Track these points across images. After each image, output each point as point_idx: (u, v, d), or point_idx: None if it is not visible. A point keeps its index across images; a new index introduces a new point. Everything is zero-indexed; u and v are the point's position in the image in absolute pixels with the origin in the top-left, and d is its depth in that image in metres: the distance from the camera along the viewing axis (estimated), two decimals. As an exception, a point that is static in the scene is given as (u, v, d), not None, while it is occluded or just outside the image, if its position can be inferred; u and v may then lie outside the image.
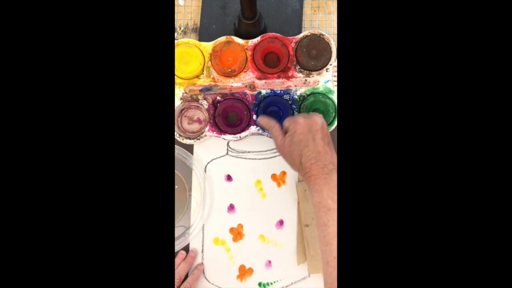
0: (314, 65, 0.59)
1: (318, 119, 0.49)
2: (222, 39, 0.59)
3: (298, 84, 0.59)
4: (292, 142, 0.49)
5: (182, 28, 0.64)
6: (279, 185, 0.60)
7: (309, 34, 0.59)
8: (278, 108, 0.60)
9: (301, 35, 0.59)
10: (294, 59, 0.59)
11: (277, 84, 0.59)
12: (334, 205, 0.44)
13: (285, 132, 0.51)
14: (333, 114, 0.58)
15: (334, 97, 0.59)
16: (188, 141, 0.59)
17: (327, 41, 0.59)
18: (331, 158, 0.47)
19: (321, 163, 0.46)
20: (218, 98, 0.59)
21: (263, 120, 0.55)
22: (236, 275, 0.59)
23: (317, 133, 0.48)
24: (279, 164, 0.60)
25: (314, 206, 0.46)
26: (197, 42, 0.59)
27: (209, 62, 0.59)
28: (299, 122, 0.49)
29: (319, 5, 0.64)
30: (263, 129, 0.58)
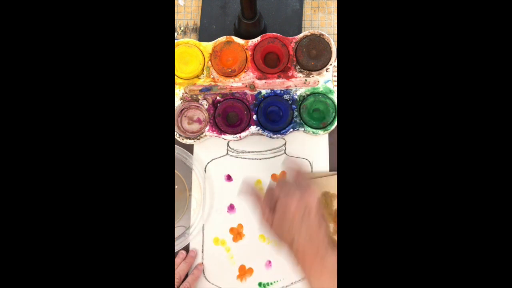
0: (314, 65, 0.59)
1: (310, 197, 0.44)
2: (222, 39, 0.59)
3: (298, 84, 0.59)
4: (281, 225, 0.43)
5: (182, 28, 0.64)
6: (279, 185, 0.60)
7: (309, 34, 0.59)
8: (278, 108, 0.60)
9: (301, 35, 0.59)
10: (294, 59, 0.59)
11: (277, 84, 0.59)
12: None
13: (273, 207, 0.45)
14: (333, 114, 0.58)
15: (334, 97, 0.59)
16: (188, 141, 0.59)
17: (327, 41, 0.59)
18: (324, 236, 0.43)
19: (313, 249, 0.42)
20: (218, 98, 0.59)
21: (248, 193, 0.48)
22: (236, 275, 0.59)
23: (309, 215, 0.43)
24: (279, 164, 0.60)
25: None
26: (197, 42, 0.59)
27: (209, 62, 0.59)
28: (290, 202, 0.43)
29: (319, 5, 0.64)
30: (263, 129, 0.58)
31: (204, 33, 0.63)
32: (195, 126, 0.61)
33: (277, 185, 0.46)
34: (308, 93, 0.59)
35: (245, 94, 0.59)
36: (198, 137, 0.59)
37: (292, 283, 0.58)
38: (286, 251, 0.44)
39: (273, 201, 0.45)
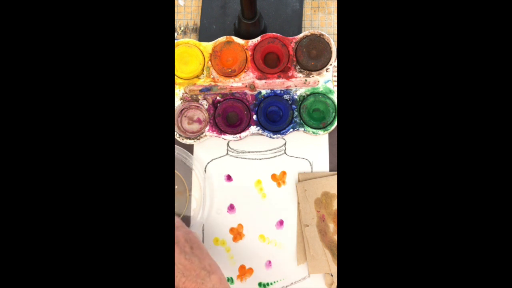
0: (314, 65, 0.59)
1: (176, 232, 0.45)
2: (222, 39, 0.59)
3: (298, 84, 0.59)
4: None
5: (182, 28, 0.64)
6: (279, 185, 0.60)
7: (309, 34, 0.59)
8: (278, 108, 0.60)
9: (301, 35, 0.59)
10: (294, 59, 0.59)
11: (277, 84, 0.59)
12: None
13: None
14: (333, 114, 0.58)
15: (334, 97, 0.59)
16: (188, 141, 0.59)
17: (327, 41, 0.59)
18: (200, 263, 0.45)
19: (192, 276, 0.43)
20: (218, 98, 0.59)
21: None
22: (236, 275, 0.59)
23: (175, 249, 0.44)
24: (279, 164, 0.60)
25: None
26: (197, 42, 0.59)
27: (209, 62, 0.59)
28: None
29: (319, 5, 0.64)
30: (263, 129, 0.58)
31: (204, 33, 0.63)
32: (195, 126, 0.61)
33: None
34: (308, 93, 0.59)
35: (245, 94, 0.59)
36: (198, 137, 0.59)
37: (292, 283, 0.58)
38: None
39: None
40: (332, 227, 0.58)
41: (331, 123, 0.58)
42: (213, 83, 0.60)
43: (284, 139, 0.61)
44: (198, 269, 0.44)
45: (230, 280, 0.58)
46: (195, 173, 0.60)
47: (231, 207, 0.60)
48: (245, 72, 0.59)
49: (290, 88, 0.59)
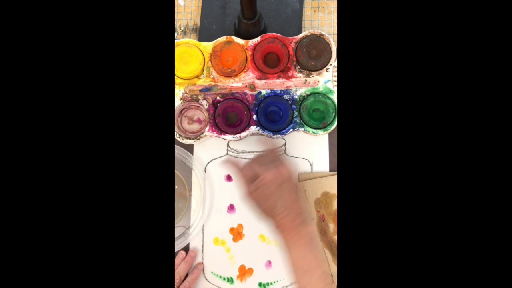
0: (314, 65, 0.59)
1: (285, 169, 0.47)
2: (222, 39, 0.59)
3: (298, 84, 0.59)
4: (260, 194, 0.46)
5: (182, 28, 0.64)
6: (279, 185, 0.60)
7: (309, 34, 0.59)
8: (278, 108, 0.60)
9: (301, 35, 0.59)
10: (294, 59, 0.59)
11: (277, 84, 0.59)
12: (311, 264, 0.43)
13: (251, 178, 0.47)
14: (333, 114, 0.58)
15: (334, 97, 0.59)
16: (188, 141, 0.59)
17: (327, 41, 0.59)
18: (300, 208, 0.46)
19: (291, 216, 0.45)
20: (218, 98, 0.59)
21: (229, 163, 0.51)
22: (236, 275, 0.59)
23: (284, 185, 0.46)
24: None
25: (290, 264, 0.45)
26: (197, 42, 0.59)
27: (209, 62, 0.59)
28: (266, 173, 0.46)
29: (319, 5, 0.64)
30: (263, 129, 0.58)
31: (204, 33, 0.63)
32: (195, 126, 0.61)
33: (254, 159, 0.49)
34: (308, 93, 0.59)
35: (245, 94, 0.59)
36: (198, 137, 0.59)
37: (292, 283, 0.58)
38: (269, 223, 0.47)
39: (251, 174, 0.48)
40: (332, 227, 0.58)
41: (331, 123, 0.58)
42: (213, 83, 0.60)
43: (284, 139, 0.61)
44: (301, 210, 0.46)
45: (230, 280, 0.58)
46: (195, 173, 0.60)
47: (231, 207, 0.60)
48: (245, 72, 0.59)
49: (290, 88, 0.59)
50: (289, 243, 0.45)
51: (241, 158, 0.61)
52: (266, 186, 0.46)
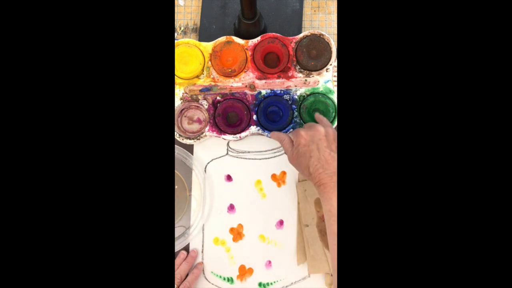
0: (314, 65, 0.59)
1: (320, 128, 0.50)
2: (222, 39, 0.59)
3: (298, 84, 0.59)
4: (298, 154, 0.49)
5: (182, 28, 0.64)
6: (279, 185, 0.60)
7: (309, 34, 0.59)
8: (278, 108, 0.60)
9: (301, 35, 0.59)
10: (294, 59, 0.59)
11: (277, 84, 0.59)
12: None
13: (292, 144, 0.52)
14: (333, 114, 0.58)
15: (334, 97, 0.59)
16: (188, 141, 0.59)
17: (327, 41, 0.59)
18: (336, 166, 0.47)
19: (329, 171, 0.47)
20: (218, 98, 0.59)
21: (274, 134, 0.55)
22: (236, 275, 0.59)
23: (320, 142, 0.48)
24: (279, 164, 0.60)
25: (325, 214, 0.46)
26: (197, 42, 0.59)
27: (209, 62, 0.59)
28: (300, 135, 0.50)
29: (319, 5, 0.64)
30: (263, 129, 0.59)
31: (204, 33, 0.63)
32: (195, 126, 0.61)
33: (291, 133, 0.53)
34: (308, 93, 0.59)
35: (245, 94, 0.59)
36: (198, 137, 0.59)
37: (292, 283, 0.58)
38: (307, 178, 0.49)
39: (290, 140, 0.52)
40: (332, 227, 0.58)
41: (331, 123, 0.58)
42: (213, 83, 0.60)
43: (284, 139, 0.61)
44: (335, 168, 0.47)
45: (230, 280, 0.58)
46: (195, 173, 0.60)
47: (231, 207, 0.60)
48: (245, 72, 0.59)
49: (290, 88, 0.59)
50: (326, 196, 0.46)
51: (242, 158, 0.61)
52: (301, 146, 0.49)
